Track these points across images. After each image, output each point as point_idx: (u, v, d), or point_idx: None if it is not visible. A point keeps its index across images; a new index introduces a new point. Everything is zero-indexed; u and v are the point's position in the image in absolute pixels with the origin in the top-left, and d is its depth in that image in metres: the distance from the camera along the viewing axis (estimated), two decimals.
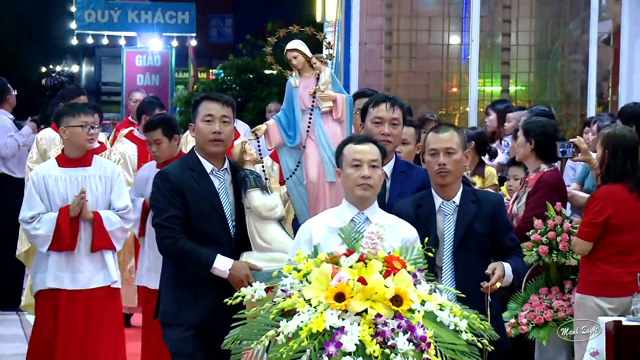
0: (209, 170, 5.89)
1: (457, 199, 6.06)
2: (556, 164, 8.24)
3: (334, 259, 4.89)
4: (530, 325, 7.72)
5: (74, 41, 24.66)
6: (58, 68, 37.47)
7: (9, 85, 12.46)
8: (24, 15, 35.51)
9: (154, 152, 7.91)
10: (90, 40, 24.03)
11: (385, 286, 4.73)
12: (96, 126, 7.49)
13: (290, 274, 4.94)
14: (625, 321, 6.65)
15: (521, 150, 7.80)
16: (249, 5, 38.31)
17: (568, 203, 8.28)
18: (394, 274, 4.82)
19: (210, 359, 5.94)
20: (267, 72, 27.38)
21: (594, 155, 7.64)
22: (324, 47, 6.10)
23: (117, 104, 27.45)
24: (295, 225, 6.15)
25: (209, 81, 28.22)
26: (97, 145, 8.12)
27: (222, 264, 5.72)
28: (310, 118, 5.89)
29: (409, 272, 4.90)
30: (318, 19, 17.61)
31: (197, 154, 5.93)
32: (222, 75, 27.39)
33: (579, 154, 7.75)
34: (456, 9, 15.08)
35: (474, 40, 14.37)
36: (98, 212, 7.17)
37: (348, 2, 14.71)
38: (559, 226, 7.59)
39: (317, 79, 5.90)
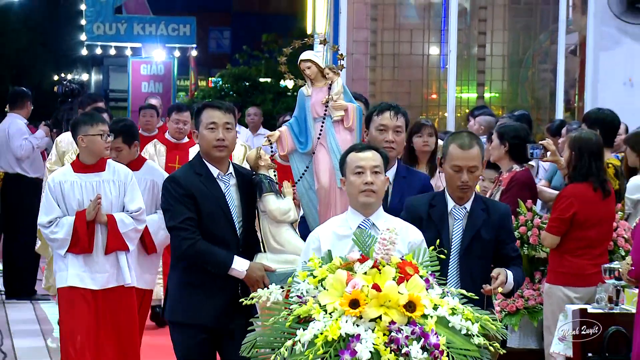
0: (215, 175, 5.67)
1: (468, 205, 5.74)
2: (534, 164, 8.27)
3: (349, 265, 4.61)
4: (503, 313, 7.74)
5: (84, 52, 24.61)
6: (69, 76, 37.49)
7: (29, 94, 12.53)
8: (38, 28, 35.40)
9: (114, 157, 7.54)
10: (99, 51, 23.95)
11: (399, 293, 4.45)
12: (111, 134, 7.16)
13: (305, 279, 4.64)
14: (590, 309, 6.69)
15: (495, 152, 7.80)
16: (245, 19, 38.30)
17: (538, 200, 8.30)
18: (407, 280, 4.54)
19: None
20: (261, 80, 27.42)
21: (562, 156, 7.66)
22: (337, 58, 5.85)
23: (124, 109, 27.32)
24: (301, 226, 5.95)
25: (208, 88, 28.21)
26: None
27: (240, 265, 5.51)
28: (322, 126, 5.68)
29: (421, 276, 4.62)
30: (309, 31, 17.60)
31: (203, 159, 5.73)
32: (220, 83, 27.42)
33: (548, 155, 7.75)
34: (435, 23, 15.08)
35: (451, 50, 14.37)
36: (112, 215, 6.98)
37: (336, 16, 14.72)
38: (529, 222, 7.63)
39: (329, 88, 5.68)
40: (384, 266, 4.55)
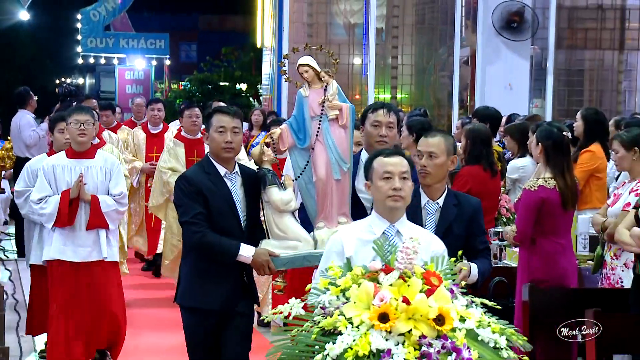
0: (222, 174, 5.17)
1: (441, 200, 4.94)
2: None
3: (374, 276, 3.73)
4: None
5: (80, 61, 24.26)
6: (68, 80, 37.15)
7: (31, 92, 12.54)
8: (42, 42, 34.95)
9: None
10: (91, 60, 23.62)
11: (429, 306, 3.59)
12: (91, 122, 6.63)
13: (327, 288, 3.78)
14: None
15: (405, 141, 7.73)
16: (208, 36, 38.17)
17: None
18: (434, 292, 3.67)
19: (223, 343, 5.21)
20: (221, 83, 27.32)
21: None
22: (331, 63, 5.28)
23: (110, 108, 27.08)
24: (301, 213, 5.38)
25: (179, 90, 27.98)
26: (97, 141, 7.35)
27: (246, 252, 5.00)
28: (319, 124, 5.16)
29: (445, 287, 3.75)
30: (259, 45, 17.52)
31: (211, 159, 5.23)
32: (189, 86, 27.36)
33: None
34: (358, 39, 15.09)
35: (370, 61, 14.39)
36: (96, 196, 6.56)
37: (280, 33, 14.67)
38: None
39: (325, 90, 5.19)
40: (409, 277, 3.69)
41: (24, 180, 7.03)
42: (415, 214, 4.79)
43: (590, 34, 14.98)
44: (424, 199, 4.95)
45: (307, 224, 5.20)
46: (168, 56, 24.28)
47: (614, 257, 6.03)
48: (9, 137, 12.67)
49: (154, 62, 23.89)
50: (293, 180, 5.24)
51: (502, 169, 7.90)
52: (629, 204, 5.74)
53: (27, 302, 9.00)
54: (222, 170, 5.17)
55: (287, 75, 5.56)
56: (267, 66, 16.19)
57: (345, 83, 14.88)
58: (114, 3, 21.87)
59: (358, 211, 5.15)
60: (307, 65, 5.24)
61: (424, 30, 15.12)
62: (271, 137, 5.24)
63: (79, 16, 22.48)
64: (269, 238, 5.16)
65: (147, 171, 10.29)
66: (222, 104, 9.63)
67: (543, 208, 5.94)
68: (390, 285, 3.64)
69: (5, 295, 7.57)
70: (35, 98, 12.66)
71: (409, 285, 3.63)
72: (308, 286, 3.92)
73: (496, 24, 13.55)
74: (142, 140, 10.39)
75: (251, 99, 25.84)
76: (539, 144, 5.99)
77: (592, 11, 14.92)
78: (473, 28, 14.39)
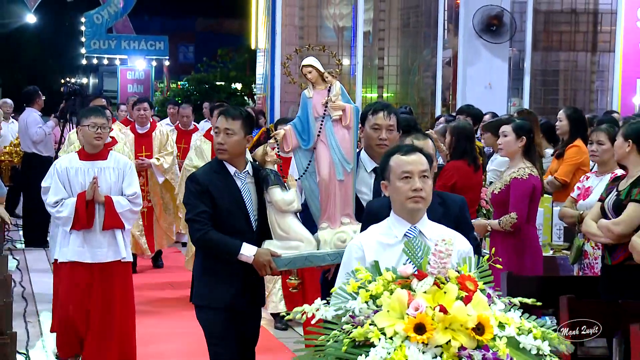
0: (232, 173, 4.87)
1: None
2: None
3: (406, 283, 3.23)
4: None
5: (84, 61, 24.26)
6: (72, 80, 37.00)
7: (39, 92, 12.43)
8: (48, 43, 34.81)
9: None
10: (95, 61, 23.60)
11: (467, 314, 3.10)
12: (107, 126, 6.35)
13: (356, 293, 3.28)
14: None
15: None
16: (205, 38, 38.06)
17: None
18: (471, 299, 3.16)
19: (239, 336, 4.97)
20: (217, 83, 27.29)
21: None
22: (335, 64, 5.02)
23: (114, 105, 26.99)
24: (303, 214, 4.97)
25: (178, 89, 27.90)
26: (109, 140, 6.96)
27: (248, 251, 4.73)
28: (321, 124, 4.80)
29: (481, 290, 3.24)
30: (253, 47, 17.48)
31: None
32: (187, 85, 27.31)
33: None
34: (347, 41, 15.08)
35: (359, 62, 14.36)
36: (110, 197, 6.23)
37: (273, 35, 14.65)
38: None
39: (329, 90, 4.85)
40: (443, 283, 3.19)
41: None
42: None
43: (565, 36, 15.03)
44: None
45: (311, 225, 4.91)
46: (167, 57, 24.30)
47: (596, 247, 6.02)
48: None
49: (154, 63, 23.92)
50: (296, 180, 4.93)
51: (483, 163, 7.90)
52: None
53: (33, 290, 9.04)
54: (231, 169, 4.89)
55: (291, 77, 5.27)
56: (261, 67, 16.17)
57: None
58: (116, 7, 21.84)
59: (358, 213, 4.84)
60: (311, 66, 4.95)
61: (408, 33, 15.11)
62: (275, 138, 4.90)
63: (83, 19, 22.49)
64: (271, 238, 4.87)
65: (138, 168, 10.18)
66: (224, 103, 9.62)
67: (533, 195, 6.01)
68: (425, 292, 3.17)
69: (13, 283, 7.54)
70: (44, 98, 12.61)
71: (445, 293, 3.16)
72: (333, 289, 3.44)
73: (476, 27, 13.55)
74: (131, 140, 10.18)
75: (246, 97, 25.84)
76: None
77: (566, 15, 14.98)
78: (455, 31, 14.38)
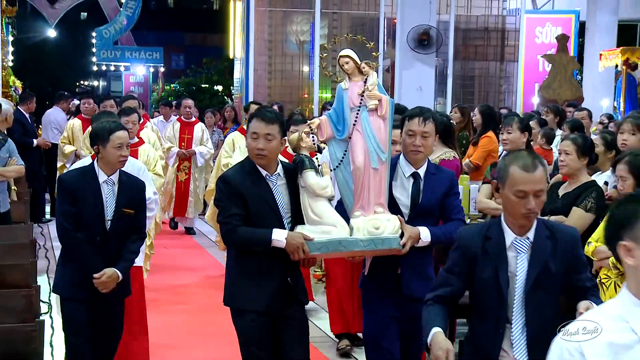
0: (264, 175, 3.91)
1: (531, 234, 3.13)
2: None
3: None
4: None
5: (95, 68, 24.04)
6: (85, 83, 36.54)
7: (71, 97, 11.87)
8: (66, 53, 34.28)
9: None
10: (104, 67, 23.38)
11: None
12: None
13: None
14: None
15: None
16: (193, 49, 37.81)
17: None
18: None
19: (275, 342, 3.94)
20: (203, 85, 27.32)
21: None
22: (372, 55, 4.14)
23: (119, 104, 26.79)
24: (338, 209, 4.01)
25: (171, 91, 27.75)
26: (135, 140, 6.01)
27: (279, 235, 3.79)
28: (357, 114, 3.95)
29: None
30: (231, 56, 17.37)
31: (252, 160, 3.97)
32: (178, 87, 27.29)
33: None
34: (306, 52, 15.04)
35: (316, 68, 14.31)
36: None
37: (247, 47, 14.61)
38: None
39: (365, 82, 4.01)
40: None
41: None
42: (499, 254, 3.15)
43: (479, 49, 15.22)
44: (510, 236, 3.15)
45: (343, 218, 4.00)
46: (162, 64, 24.19)
47: None
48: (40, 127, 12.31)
49: (151, 69, 23.81)
50: (331, 171, 4.02)
51: None
52: None
53: (55, 252, 8.89)
54: (263, 171, 3.95)
55: (327, 70, 4.37)
56: (238, 72, 16.10)
57: (297, 85, 14.88)
58: (120, 24, 21.68)
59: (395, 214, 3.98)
60: (348, 56, 4.10)
61: (356, 46, 15.09)
62: (310, 127, 4.07)
63: (94, 34, 22.41)
64: (304, 223, 3.94)
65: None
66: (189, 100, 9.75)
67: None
68: None
69: (37, 246, 7.44)
70: (75, 102, 11.95)
71: None
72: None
73: (410, 41, 13.57)
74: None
75: (225, 97, 25.76)
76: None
77: (480, 32, 15.14)
78: (393, 44, 14.39)
